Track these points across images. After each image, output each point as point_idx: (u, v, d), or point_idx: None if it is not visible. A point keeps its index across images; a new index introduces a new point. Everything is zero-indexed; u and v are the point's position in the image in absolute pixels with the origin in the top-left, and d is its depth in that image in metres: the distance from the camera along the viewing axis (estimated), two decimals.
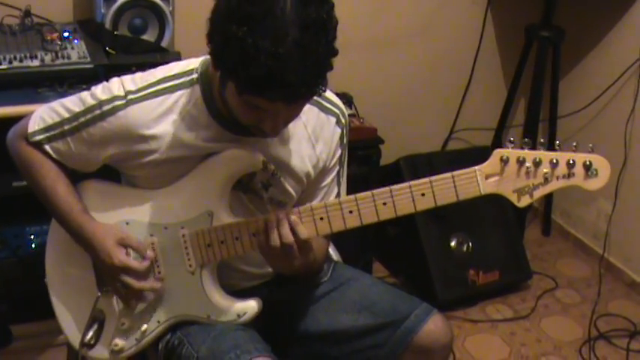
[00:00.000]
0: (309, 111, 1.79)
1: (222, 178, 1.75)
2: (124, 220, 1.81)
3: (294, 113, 1.63)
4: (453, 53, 3.61)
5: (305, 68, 1.45)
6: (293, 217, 1.68)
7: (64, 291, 1.90)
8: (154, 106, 1.70)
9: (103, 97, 1.71)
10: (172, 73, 1.74)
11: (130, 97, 1.70)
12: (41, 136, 1.78)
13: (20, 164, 1.84)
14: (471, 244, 3.28)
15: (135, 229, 1.80)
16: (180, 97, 1.71)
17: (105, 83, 1.74)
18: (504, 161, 1.64)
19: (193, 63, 1.74)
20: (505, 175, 1.65)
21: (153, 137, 1.71)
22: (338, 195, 1.92)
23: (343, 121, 1.87)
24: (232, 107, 1.61)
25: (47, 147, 1.78)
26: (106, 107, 1.70)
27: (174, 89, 1.71)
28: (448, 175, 1.66)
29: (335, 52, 1.52)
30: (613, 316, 3.25)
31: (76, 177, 1.85)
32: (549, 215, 3.88)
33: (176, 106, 1.71)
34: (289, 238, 1.66)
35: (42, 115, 1.79)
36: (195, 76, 1.72)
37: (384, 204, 1.68)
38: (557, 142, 1.65)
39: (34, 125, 1.79)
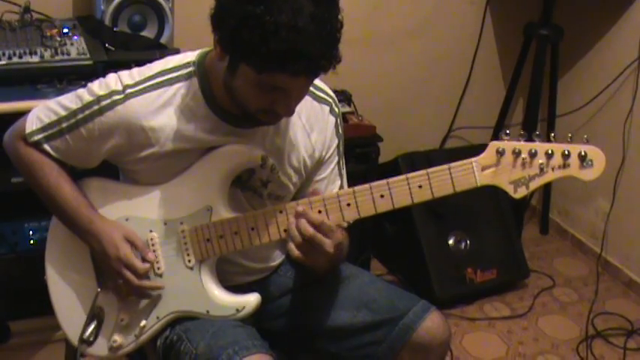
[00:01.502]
0: (302, 100, 1.79)
1: (222, 173, 1.75)
2: (123, 217, 1.81)
3: (306, 90, 1.66)
4: (452, 51, 3.61)
5: (322, 40, 1.49)
6: (300, 208, 1.69)
7: (63, 288, 1.90)
8: (152, 99, 1.71)
9: (101, 92, 1.71)
10: (169, 66, 1.74)
11: (128, 91, 1.70)
12: (39, 136, 1.77)
13: (20, 165, 1.84)
14: (468, 242, 3.28)
15: (134, 225, 1.80)
16: (179, 89, 1.72)
17: (101, 79, 1.74)
18: (500, 153, 1.65)
19: (189, 56, 1.75)
20: (501, 166, 1.66)
21: (152, 129, 1.71)
22: (341, 186, 1.93)
23: (336, 109, 1.89)
24: (242, 94, 1.62)
25: (46, 146, 1.78)
26: (104, 102, 1.70)
27: (172, 82, 1.72)
28: (445, 166, 1.67)
29: (342, 25, 1.55)
30: (610, 315, 3.25)
31: (74, 175, 1.85)
32: (547, 214, 3.89)
33: (174, 99, 1.71)
34: (309, 230, 1.66)
35: (38, 114, 1.79)
36: (192, 68, 1.72)
37: (382, 196, 1.69)
38: (553, 134, 1.66)
39: (31, 125, 1.78)
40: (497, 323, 3.18)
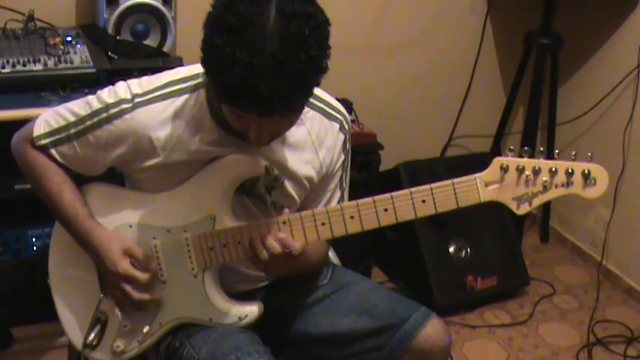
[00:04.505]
0: (312, 117, 1.81)
1: (226, 182, 1.76)
2: (127, 223, 1.82)
3: (280, 126, 1.63)
4: (453, 60, 3.63)
5: (280, 82, 1.44)
6: (280, 235, 1.70)
7: (66, 292, 1.91)
8: (160, 109, 1.72)
9: (110, 100, 1.72)
10: (178, 77, 1.75)
11: (137, 100, 1.71)
12: (47, 140, 1.79)
13: (25, 168, 1.85)
14: (469, 249, 3.29)
15: (138, 231, 1.81)
16: (186, 100, 1.72)
17: (111, 87, 1.75)
18: (504, 169, 1.66)
19: (198, 68, 1.74)
20: (505, 183, 1.67)
21: (158, 140, 1.72)
22: (341, 199, 1.94)
23: (346, 127, 1.89)
24: (224, 113, 1.62)
25: (53, 151, 1.79)
26: (112, 110, 1.71)
27: (180, 93, 1.73)
28: (448, 182, 1.68)
29: (319, 69, 1.51)
30: (610, 322, 3.26)
31: (80, 180, 1.86)
32: (547, 222, 3.90)
33: (182, 110, 1.72)
34: (276, 249, 1.68)
35: (47, 118, 1.80)
36: (200, 80, 1.73)
37: (385, 210, 1.70)
38: (557, 150, 1.67)
39: (39, 129, 1.79)
40: (498, 330, 3.18)
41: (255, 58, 1.42)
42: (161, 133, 1.72)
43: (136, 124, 1.71)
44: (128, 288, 1.76)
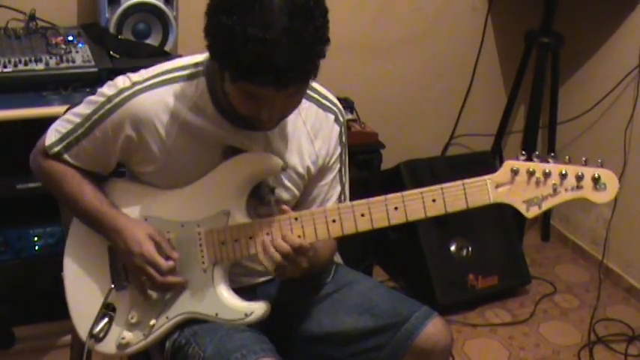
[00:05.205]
0: (307, 108, 1.83)
1: (242, 179, 1.78)
2: (142, 217, 1.83)
3: (290, 104, 1.66)
4: (454, 59, 3.63)
5: (293, 53, 1.49)
6: (283, 233, 1.72)
7: (79, 286, 1.91)
8: (161, 95, 1.73)
9: (111, 92, 1.74)
10: (178, 65, 1.77)
11: (137, 87, 1.73)
12: (58, 147, 1.81)
13: (44, 178, 1.87)
14: (470, 248, 3.30)
15: (153, 225, 1.82)
16: (187, 87, 1.74)
17: (109, 82, 1.77)
18: (515, 172, 1.66)
19: (198, 57, 1.77)
20: (515, 185, 1.67)
21: (161, 124, 1.73)
22: (341, 193, 1.95)
23: (341, 119, 1.90)
24: (231, 99, 1.64)
25: (66, 156, 1.81)
26: (115, 100, 1.73)
27: (180, 79, 1.74)
28: (459, 182, 1.69)
29: (325, 40, 1.56)
30: (611, 321, 3.26)
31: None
32: (548, 221, 3.90)
33: (183, 96, 1.74)
34: (285, 248, 1.70)
35: (56, 127, 1.83)
36: (200, 68, 1.75)
37: (396, 208, 1.71)
38: (568, 156, 1.67)
39: (50, 138, 1.82)
40: (499, 329, 3.19)
41: (267, 33, 1.47)
42: (163, 117, 1.74)
43: (138, 109, 1.73)
44: (152, 271, 1.76)
